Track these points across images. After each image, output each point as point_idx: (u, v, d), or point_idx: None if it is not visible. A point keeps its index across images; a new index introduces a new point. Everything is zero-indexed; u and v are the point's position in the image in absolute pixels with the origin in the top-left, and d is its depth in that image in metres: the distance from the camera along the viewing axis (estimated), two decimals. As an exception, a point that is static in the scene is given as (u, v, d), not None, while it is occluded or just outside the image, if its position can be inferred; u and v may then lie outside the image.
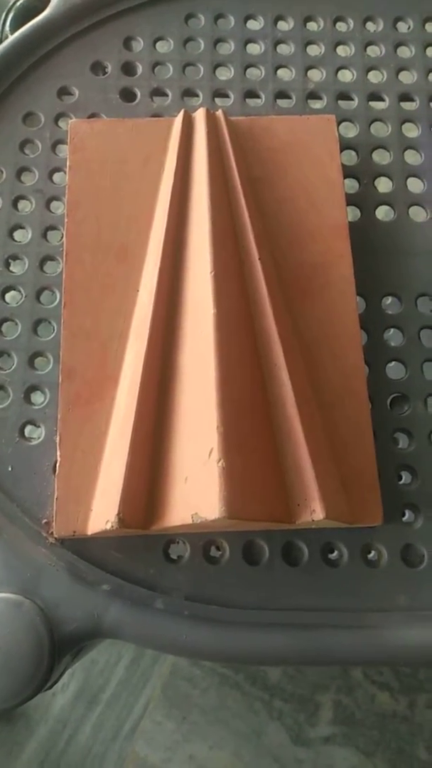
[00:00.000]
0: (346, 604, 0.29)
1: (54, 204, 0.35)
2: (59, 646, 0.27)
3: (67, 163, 0.33)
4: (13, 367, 0.32)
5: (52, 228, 0.35)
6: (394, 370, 0.32)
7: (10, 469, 0.30)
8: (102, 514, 0.27)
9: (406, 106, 0.38)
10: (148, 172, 0.33)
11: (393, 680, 0.67)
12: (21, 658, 0.26)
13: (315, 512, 0.26)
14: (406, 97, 0.38)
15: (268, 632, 0.28)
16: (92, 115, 0.37)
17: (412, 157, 0.37)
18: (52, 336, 0.32)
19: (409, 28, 0.40)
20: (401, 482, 0.30)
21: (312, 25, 0.40)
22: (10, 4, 0.42)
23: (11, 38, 0.38)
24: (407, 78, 0.39)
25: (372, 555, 0.30)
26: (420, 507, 0.30)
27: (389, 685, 0.67)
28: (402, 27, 0.40)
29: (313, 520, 0.26)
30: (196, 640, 0.28)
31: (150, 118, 0.37)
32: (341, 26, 0.40)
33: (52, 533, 0.28)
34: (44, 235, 0.34)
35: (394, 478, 0.30)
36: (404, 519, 0.30)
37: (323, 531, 0.29)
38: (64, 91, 0.38)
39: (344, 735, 0.66)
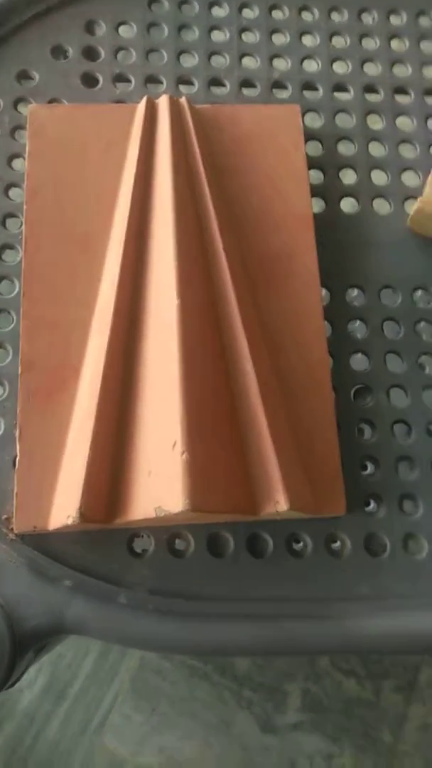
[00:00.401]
0: (311, 593, 0.29)
1: (13, 191, 0.34)
2: (21, 643, 0.26)
3: (27, 149, 0.33)
4: (-29, 359, 0.31)
5: (11, 215, 0.34)
6: (358, 361, 0.33)
7: (-32, 463, 0.29)
8: (63, 508, 0.26)
9: (371, 97, 0.38)
10: (110, 159, 0.32)
11: (359, 667, 0.68)
12: (-20, 657, 0.26)
13: (279, 504, 0.26)
14: (370, 89, 0.38)
15: (233, 624, 0.28)
16: (53, 100, 0.36)
17: (376, 149, 0.37)
18: (11, 327, 0.32)
19: (374, 19, 0.40)
20: (364, 472, 0.31)
21: (277, 14, 0.39)
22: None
23: (-33, 18, 0.36)
24: (372, 70, 0.39)
25: (336, 545, 0.30)
26: (383, 497, 0.30)
27: (355, 671, 0.68)
28: (367, 18, 0.40)
29: (277, 512, 0.26)
30: (161, 634, 0.28)
31: (112, 104, 0.36)
32: (306, 16, 0.40)
33: (12, 529, 0.28)
34: (3, 223, 0.33)
35: (358, 469, 0.31)
36: (367, 509, 0.30)
37: (287, 522, 0.29)
38: (23, 75, 0.37)
39: (312, 722, 0.67)
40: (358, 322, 0.33)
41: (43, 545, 0.28)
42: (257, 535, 0.29)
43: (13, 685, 0.28)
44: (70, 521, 0.25)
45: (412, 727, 0.66)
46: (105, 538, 0.29)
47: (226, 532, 0.29)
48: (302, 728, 0.67)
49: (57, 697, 0.67)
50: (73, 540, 0.28)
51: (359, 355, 0.33)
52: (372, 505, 0.30)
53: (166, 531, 0.29)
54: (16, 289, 0.32)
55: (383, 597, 0.29)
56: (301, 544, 0.30)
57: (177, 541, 0.29)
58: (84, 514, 0.25)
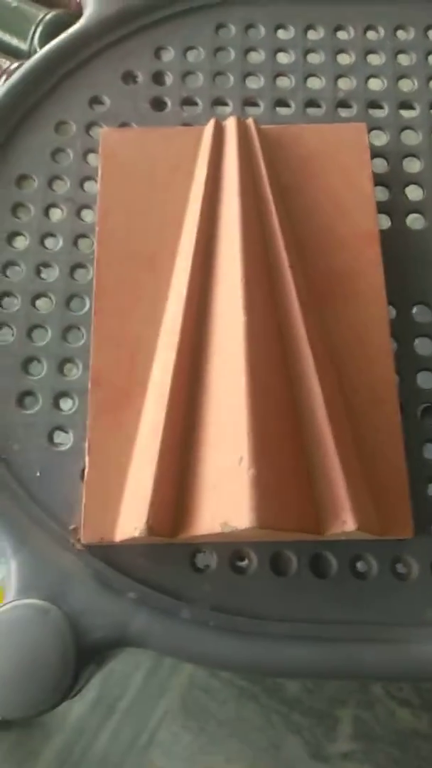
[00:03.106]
0: (375, 617, 0.28)
1: (84, 212, 0.35)
2: (85, 655, 0.27)
3: (99, 172, 0.34)
4: (42, 374, 0.32)
5: (83, 236, 0.35)
6: (426, 379, 0.32)
7: (38, 474, 0.30)
8: (130, 521, 0.27)
9: (437, 114, 0.38)
10: (179, 180, 0.33)
11: (414, 696, 0.66)
12: (46, 666, 0.26)
13: (346, 523, 0.26)
14: (436, 106, 0.38)
15: (294, 644, 0.28)
16: (123, 124, 0.37)
17: (443, 166, 0.37)
18: (81, 343, 0.32)
19: (440, 36, 0.40)
20: (431, 494, 0.30)
21: (342, 34, 0.40)
22: (39, 17, 0.43)
23: (45, 49, 0.38)
24: (438, 86, 0.38)
25: (401, 567, 0.29)
26: (451, 520, 0.29)
27: (410, 701, 0.66)
28: (432, 35, 0.40)
29: (343, 532, 0.26)
30: (222, 650, 0.27)
31: (180, 126, 0.37)
32: (371, 35, 0.40)
33: (79, 539, 0.28)
34: (75, 243, 0.35)
35: (425, 490, 0.30)
36: (435, 532, 0.29)
37: (352, 543, 0.29)
38: (95, 101, 0.38)
39: (363, 752, 0.64)
40: (422, 339, 0.33)
41: (109, 557, 0.29)
42: (321, 555, 0.29)
43: (75, 695, 0.28)
44: (137, 533, 0.26)
45: (472, 764, 0.63)
46: (168, 553, 0.29)
47: (289, 551, 0.29)
48: (354, 758, 0.65)
49: (106, 711, 0.67)
50: (137, 553, 0.29)
51: (426, 373, 0.32)
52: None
53: (228, 547, 0.29)
54: (86, 307, 0.33)
55: (451, 624, 0.28)
56: (365, 565, 0.29)
57: (239, 558, 0.29)
58: (151, 527, 0.25)
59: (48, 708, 0.26)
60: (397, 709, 0.65)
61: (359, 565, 0.29)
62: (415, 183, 0.36)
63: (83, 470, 0.29)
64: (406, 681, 0.58)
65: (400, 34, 0.40)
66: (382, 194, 0.36)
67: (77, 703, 0.66)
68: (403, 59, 0.39)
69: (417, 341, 0.33)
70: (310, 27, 0.40)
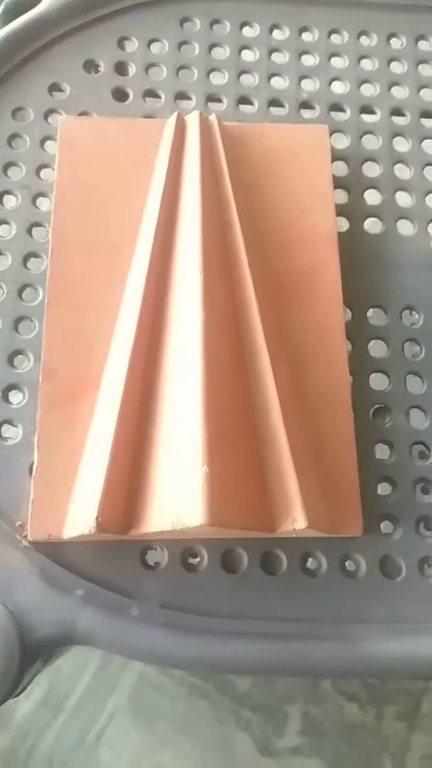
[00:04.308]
0: (324, 614, 0.29)
1: (40, 200, 0.34)
2: (30, 652, 0.26)
3: (56, 160, 0.33)
4: (-8, 364, 0.31)
5: (38, 225, 0.34)
6: (378, 381, 0.33)
7: (-16, 468, 0.29)
8: (79, 517, 0.26)
9: (398, 120, 0.38)
10: (138, 173, 0.33)
11: (362, 691, 0.67)
12: (-11, 665, 0.26)
13: (297, 521, 0.26)
14: (397, 112, 0.39)
15: (244, 641, 0.28)
16: (83, 113, 0.36)
17: (401, 171, 0.37)
18: (33, 334, 0.32)
19: (402, 44, 0.40)
20: (381, 493, 0.30)
21: (307, 36, 0.40)
22: (1, -2, 0.42)
23: (3, 31, 0.37)
24: (399, 93, 0.39)
25: (350, 565, 0.29)
26: (399, 518, 0.30)
27: (358, 696, 0.67)
28: (395, 43, 0.40)
29: (294, 529, 0.26)
30: (171, 648, 0.27)
31: (142, 118, 0.36)
32: (336, 38, 0.40)
33: (26, 536, 0.28)
34: (29, 232, 0.34)
35: (375, 489, 0.30)
36: (383, 530, 0.30)
37: (302, 540, 0.29)
38: (55, 88, 0.37)
39: (312, 746, 0.65)
40: (376, 342, 0.33)
41: (56, 554, 0.28)
42: (271, 553, 0.29)
43: (19, 694, 0.28)
44: (86, 531, 0.25)
45: (415, 757, 0.65)
46: (118, 550, 0.28)
47: (240, 548, 0.29)
48: (301, 752, 0.66)
49: (53, 710, 0.66)
50: (86, 550, 0.28)
51: (379, 374, 0.33)
52: (387, 526, 0.30)
53: (179, 544, 0.29)
54: (40, 297, 0.32)
55: (397, 620, 0.29)
56: (314, 563, 0.29)
57: (190, 555, 0.29)
58: (101, 523, 0.25)
59: (-10, 708, 0.25)
60: (345, 704, 0.66)
61: (309, 563, 0.29)
62: (374, 187, 0.37)
63: (32, 465, 0.28)
64: (353, 677, 0.59)
65: (364, 39, 0.40)
66: (341, 197, 0.36)
67: (23, 701, 0.64)
68: (366, 64, 0.40)
69: (371, 343, 0.33)
70: (275, 26, 0.40)
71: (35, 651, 0.26)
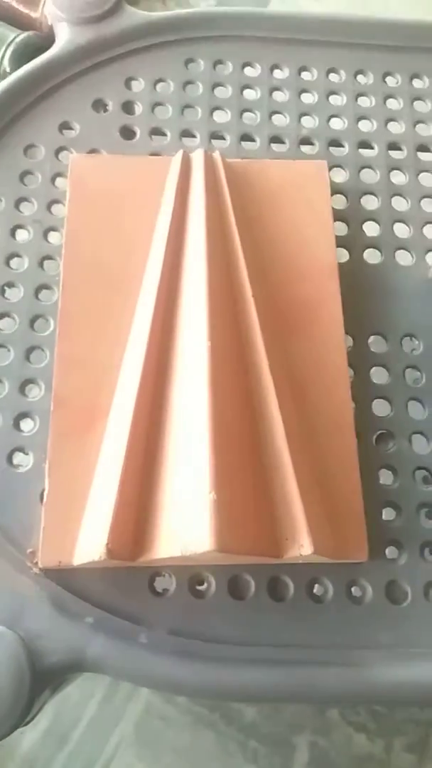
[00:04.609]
0: (330, 640, 0.29)
1: (51, 235, 0.36)
2: (40, 679, 0.26)
3: (67, 196, 0.34)
4: (4, 394, 0.32)
5: (49, 258, 0.35)
6: (380, 407, 0.33)
7: (-4, 496, 0.30)
8: (89, 544, 0.27)
9: (394, 154, 0.40)
10: (146, 209, 0.34)
11: (370, 721, 0.66)
12: (0, 691, 0.26)
13: (303, 547, 0.26)
14: (394, 146, 0.40)
15: (251, 669, 0.28)
16: (92, 151, 0.38)
17: (399, 204, 0.38)
18: (44, 364, 0.33)
19: (397, 82, 0.42)
20: (385, 518, 0.31)
21: (306, 75, 0.42)
22: (10, 39, 0.44)
23: (18, 73, 0.39)
24: (395, 128, 0.41)
25: (356, 591, 0.30)
26: (404, 544, 0.30)
27: (366, 726, 0.66)
28: (391, 81, 0.42)
29: (300, 555, 0.26)
30: (179, 675, 0.27)
31: (148, 156, 0.38)
32: (334, 77, 0.42)
33: (36, 563, 0.28)
34: (41, 264, 0.35)
35: (379, 515, 0.31)
36: (388, 556, 0.30)
37: (309, 566, 0.29)
38: (65, 126, 0.39)
39: (320, 778, 0.64)
40: (378, 369, 0.34)
41: (67, 581, 0.28)
42: (278, 579, 0.29)
43: (28, 723, 0.28)
44: (96, 557, 0.26)
45: (425, 789, 0.64)
46: (127, 576, 0.29)
47: (247, 574, 0.29)
48: (309, 785, 0.64)
49: (59, 740, 0.65)
50: (95, 577, 0.28)
51: (381, 401, 0.33)
52: (392, 551, 0.30)
53: (187, 571, 0.29)
54: (51, 328, 0.33)
55: (404, 646, 0.29)
56: (321, 589, 0.30)
57: (198, 582, 0.29)
58: (111, 550, 0.26)
59: (2, 735, 0.26)
60: (353, 734, 0.65)
61: (316, 589, 0.30)
62: (372, 219, 0.38)
63: (42, 493, 0.29)
64: (361, 704, 0.58)
65: (361, 78, 0.42)
66: (341, 229, 0.37)
67: (29, 731, 0.64)
68: (363, 101, 0.41)
69: (373, 370, 0.34)
70: (275, 66, 0.42)
71: (45, 678, 0.27)
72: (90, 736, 0.65)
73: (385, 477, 0.32)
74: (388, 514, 0.31)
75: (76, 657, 0.27)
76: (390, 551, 0.30)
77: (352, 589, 0.30)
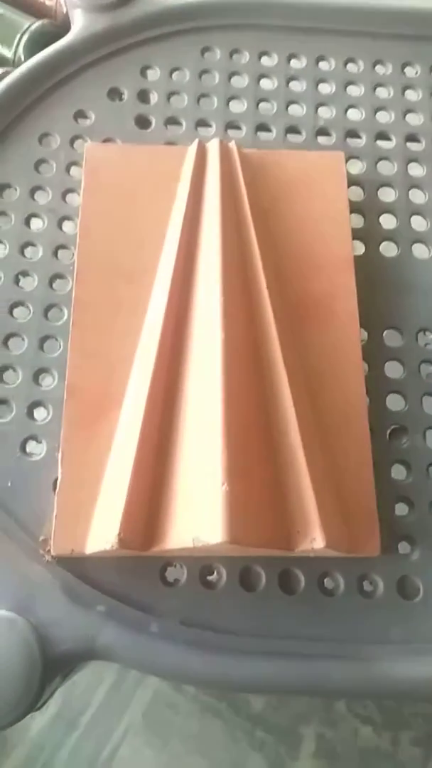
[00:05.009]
0: (341, 634, 0.29)
1: (66, 224, 0.36)
2: (51, 667, 0.27)
3: (82, 185, 0.34)
4: (17, 382, 0.32)
5: (63, 247, 0.35)
6: (394, 401, 0.33)
7: (9, 484, 0.30)
8: (102, 533, 0.27)
9: (412, 146, 0.39)
10: (161, 198, 0.34)
11: (377, 714, 0.67)
12: (12, 678, 0.26)
13: (315, 540, 0.26)
14: (412, 138, 0.39)
15: (261, 660, 0.28)
16: (107, 140, 0.38)
17: (416, 196, 0.38)
18: (58, 353, 0.33)
19: (416, 73, 0.41)
20: (398, 514, 0.31)
21: (324, 65, 0.41)
22: (25, 27, 0.44)
23: (32, 60, 0.39)
24: (414, 120, 0.40)
25: (367, 586, 0.30)
26: (416, 539, 0.30)
27: (372, 719, 0.66)
28: (410, 72, 0.41)
29: (312, 548, 0.26)
30: (189, 665, 0.28)
31: (164, 145, 0.38)
32: (352, 67, 0.41)
33: (49, 551, 0.28)
34: (55, 254, 0.35)
35: (392, 510, 0.31)
36: (400, 551, 0.30)
37: (320, 560, 0.29)
38: (80, 115, 0.38)
39: (326, 769, 0.65)
40: (392, 363, 0.34)
41: (79, 569, 0.29)
42: (289, 571, 0.29)
43: (39, 708, 0.28)
44: (108, 546, 0.26)
45: (432, 783, 0.64)
46: (138, 566, 0.29)
47: (258, 566, 0.29)
48: (315, 775, 0.65)
49: (68, 726, 0.66)
50: (107, 566, 0.29)
51: (395, 395, 0.33)
52: (405, 547, 0.30)
53: (198, 562, 0.29)
54: (65, 317, 0.33)
55: (414, 641, 0.29)
56: (332, 582, 0.30)
57: (209, 572, 0.29)
58: (123, 539, 0.26)
59: (13, 720, 0.26)
60: (360, 727, 0.65)
61: (327, 582, 0.30)
62: (389, 212, 0.37)
63: (55, 481, 0.29)
64: (370, 698, 0.58)
65: (379, 68, 0.41)
66: (357, 221, 0.37)
67: (38, 717, 0.65)
68: (381, 92, 0.41)
69: (387, 364, 0.34)
70: (293, 56, 0.41)
71: (56, 665, 0.27)
72: (98, 722, 0.65)
73: (399, 472, 0.31)
74: (400, 509, 0.31)
75: (87, 645, 0.27)
76: (402, 546, 0.30)
77: (364, 583, 0.30)
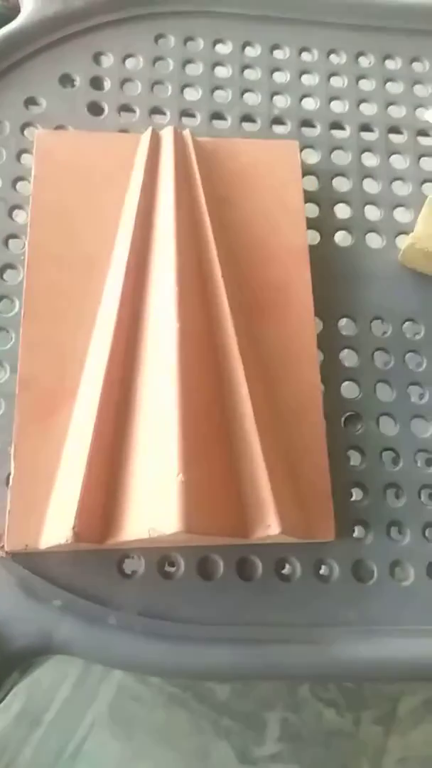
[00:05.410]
0: (298, 618, 0.29)
1: (16, 213, 0.35)
2: (8, 663, 0.26)
3: (32, 173, 0.33)
4: (-32, 376, 0.31)
5: (14, 236, 0.34)
6: (349, 389, 0.33)
7: (-39, 479, 0.29)
8: (56, 528, 0.26)
9: (366, 136, 0.40)
10: (114, 186, 0.33)
11: (339, 697, 0.68)
12: (-34, 676, 0.26)
13: (271, 527, 0.26)
14: (365, 128, 0.40)
15: (221, 648, 0.28)
16: (59, 127, 0.37)
17: (370, 186, 0.38)
18: (9, 345, 0.32)
19: (369, 63, 0.42)
20: (353, 499, 0.31)
21: (278, 53, 0.41)
22: (-24, 8, 0.42)
23: (-21, 45, 0.37)
24: (368, 110, 0.40)
25: (324, 570, 0.30)
26: (370, 523, 0.31)
27: (335, 701, 0.68)
28: (363, 62, 0.42)
29: (268, 535, 0.26)
30: (149, 656, 0.28)
31: (117, 132, 0.37)
32: (306, 56, 0.41)
33: (2, 546, 0.28)
34: (5, 243, 0.34)
35: (347, 495, 0.31)
36: (355, 535, 0.31)
37: (277, 546, 0.30)
38: (31, 101, 0.38)
39: (290, 752, 0.66)
40: (347, 351, 0.34)
41: (34, 564, 0.28)
42: (246, 559, 0.30)
43: (-4, 705, 0.28)
44: (64, 541, 0.25)
45: (391, 761, 0.66)
46: (95, 559, 0.29)
47: (216, 555, 0.29)
48: (280, 759, 0.66)
49: (31, 723, 0.65)
50: (63, 560, 0.28)
51: (350, 383, 0.34)
52: (359, 531, 0.31)
53: (156, 553, 0.29)
54: (16, 309, 0.32)
55: (369, 623, 0.29)
56: (289, 568, 0.30)
57: (167, 563, 0.29)
58: (78, 533, 0.25)
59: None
60: (323, 709, 0.67)
61: (284, 568, 0.30)
62: (343, 201, 0.38)
63: (8, 476, 0.28)
64: (328, 680, 0.59)
65: (333, 57, 0.41)
66: (312, 210, 0.37)
67: (1, 715, 0.64)
68: (336, 82, 0.41)
69: (343, 353, 0.34)
70: (247, 44, 0.41)
71: (13, 661, 0.27)
72: (63, 717, 0.65)
73: (354, 458, 0.32)
74: (356, 494, 0.31)
75: (44, 640, 0.27)
76: (357, 531, 0.31)
77: (321, 568, 0.30)
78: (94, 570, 0.28)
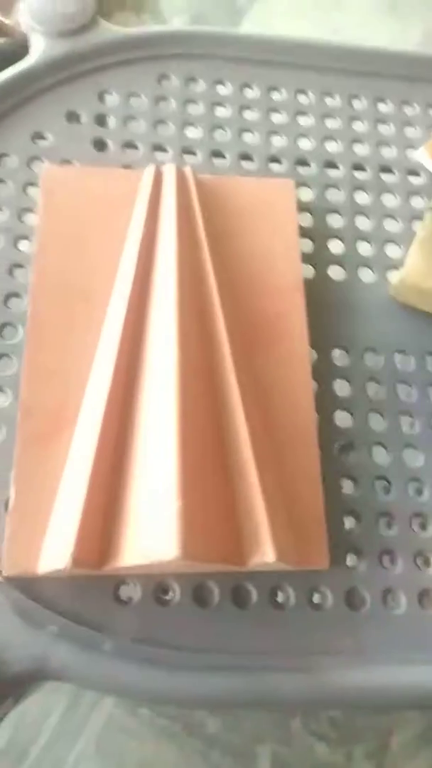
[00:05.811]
0: (292, 646, 0.29)
1: (22, 243, 0.36)
2: (2, 689, 0.26)
3: (39, 206, 0.34)
4: (-30, 401, 0.32)
5: (19, 266, 0.35)
6: (342, 419, 0.34)
7: (-41, 504, 0.30)
8: (54, 553, 0.27)
9: (359, 175, 0.41)
10: (117, 220, 0.34)
11: (331, 731, 0.67)
12: (-40, 702, 0.26)
13: (266, 555, 0.27)
14: (358, 167, 0.41)
15: (215, 676, 0.28)
16: (64, 161, 0.38)
17: (362, 223, 0.40)
18: (12, 371, 0.33)
19: (362, 105, 0.44)
20: (346, 527, 0.32)
21: (276, 95, 0.43)
22: (-18, 45, 0.44)
23: (-11, 82, 0.39)
24: (360, 150, 0.42)
25: (317, 598, 0.30)
26: (363, 551, 0.31)
27: (327, 735, 0.67)
28: (357, 104, 0.44)
29: (264, 563, 0.27)
30: (143, 683, 0.28)
31: (121, 168, 0.38)
32: (302, 98, 0.43)
33: (0, 571, 0.28)
34: (10, 272, 0.35)
35: (340, 523, 0.32)
36: (348, 563, 0.31)
37: (271, 574, 0.30)
38: (38, 136, 0.39)
39: (281, 788, 0.65)
40: (340, 381, 0.35)
41: (30, 589, 0.28)
42: (241, 587, 0.30)
43: (-12, 733, 0.28)
44: (61, 566, 0.26)
45: (384, 796, 0.65)
46: (92, 585, 0.29)
47: (211, 582, 0.30)
48: (271, 795, 0.65)
49: (18, 757, 0.64)
50: (59, 585, 0.29)
51: (343, 413, 0.34)
52: (352, 559, 0.31)
53: (152, 580, 0.29)
54: (20, 336, 0.33)
55: (362, 651, 0.29)
56: (283, 596, 0.30)
57: (162, 590, 0.30)
58: (77, 560, 0.26)
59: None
60: (315, 743, 0.66)
61: (278, 596, 0.30)
62: (337, 237, 0.39)
63: (7, 501, 0.29)
64: (321, 709, 0.59)
65: (328, 100, 0.43)
66: (307, 246, 0.38)
67: (-14, 748, 0.62)
68: (330, 123, 0.43)
69: (336, 382, 0.35)
70: (246, 86, 0.43)
71: (8, 687, 0.27)
72: (50, 750, 0.64)
73: (347, 486, 0.33)
74: (349, 522, 0.32)
75: (39, 665, 0.27)
76: (350, 559, 0.31)
77: (314, 596, 0.30)
78: (90, 596, 0.29)
